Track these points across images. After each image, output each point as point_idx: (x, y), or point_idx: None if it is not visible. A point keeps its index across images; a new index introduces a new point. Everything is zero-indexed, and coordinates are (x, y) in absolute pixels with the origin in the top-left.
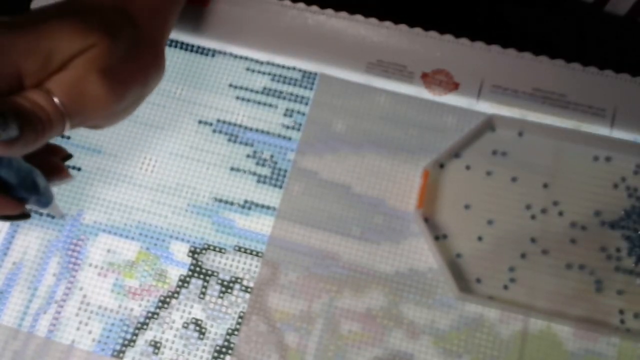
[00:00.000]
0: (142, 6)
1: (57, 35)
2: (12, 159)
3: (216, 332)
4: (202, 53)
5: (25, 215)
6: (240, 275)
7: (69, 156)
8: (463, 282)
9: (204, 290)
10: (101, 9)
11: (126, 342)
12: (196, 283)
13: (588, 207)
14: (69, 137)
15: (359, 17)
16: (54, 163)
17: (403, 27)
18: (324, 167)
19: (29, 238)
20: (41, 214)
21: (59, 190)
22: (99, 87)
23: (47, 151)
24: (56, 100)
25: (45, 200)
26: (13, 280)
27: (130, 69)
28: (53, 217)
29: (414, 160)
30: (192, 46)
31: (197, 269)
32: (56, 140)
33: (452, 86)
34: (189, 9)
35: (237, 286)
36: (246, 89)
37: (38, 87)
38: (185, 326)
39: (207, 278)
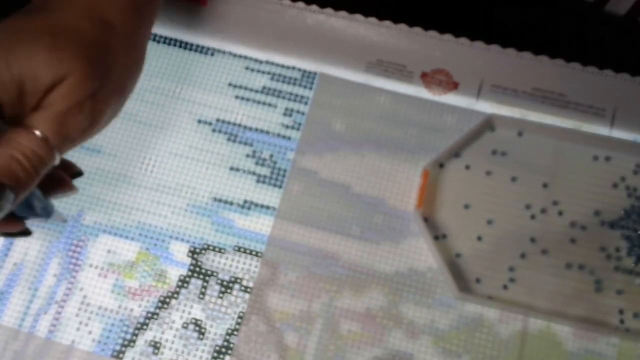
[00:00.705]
0: (119, 10)
1: (28, 64)
2: None
3: (216, 332)
4: (201, 52)
5: (25, 232)
6: (240, 275)
7: (79, 173)
8: (463, 282)
9: (203, 290)
10: (76, 26)
11: (126, 343)
12: (196, 283)
13: (588, 207)
14: None
15: (359, 16)
16: (59, 176)
17: (403, 26)
18: (323, 167)
19: (30, 239)
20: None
21: None
22: (81, 122)
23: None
24: (44, 137)
25: (46, 215)
26: (14, 281)
27: (108, 87)
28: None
29: (413, 160)
30: (192, 45)
31: (197, 269)
32: None
33: (452, 86)
34: (189, 9)
35: (236, 286)
36: (245, 89)
37: (23, 127)
38: (185, 326)
39: (207, 278)
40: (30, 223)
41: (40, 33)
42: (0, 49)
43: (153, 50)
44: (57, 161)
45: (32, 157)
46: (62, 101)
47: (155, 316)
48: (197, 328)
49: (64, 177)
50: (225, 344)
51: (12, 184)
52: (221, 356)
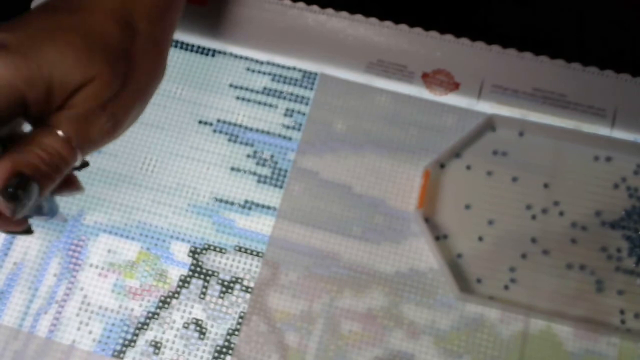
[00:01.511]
0: (144, 15)
1: (58, 65)
2: None
3: (216, 332)
4: (202, 53)
5: (28, 231)
6: (241, 275)
7: (85, 164)
8: (463, 282)
9: (204, 290)
10: (103, 28)
11: (127, 342)
12: (196, 283)
13: (588, 207)
14: None
15: (359, 16)
16: (67, 175)
17: (403, 27)
18: (324, 167)
19: (30, 238)
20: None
21: None
22: (105, 124)
23: None
24: (67, 138)
25: (51, 215)
26: (14, 281)
27: (132, 89)
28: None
29: (414, 160)
30: (192, 46)
31: (198, 269)
32: None
33: (453, 86)
34: (189, 9)
35: (237, 286)
36: (246, 89)
37: (47, 127)
38: (186, 326)
39: (208, 278)
40: (32, 222)
41: (70, 33)
42: (30, 47)
43: None
44: (78, 162)
45: (55, 157)
46: (87, 103)
47: (155, 316)
48: (197, 328)
49: (71, 176)
50: (226, 344)
51: (36, 179)
52: (222, 356)
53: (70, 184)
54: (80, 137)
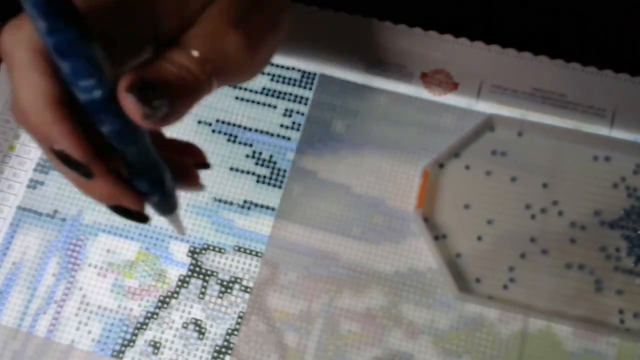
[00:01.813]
0: None
1: None
2: (143, 135)
3: (216, 332)
4: None
5: (143, 217)
6: (240, 275)
7: (205, 165)
8: (462, 282)
9: (203, 290)
10: None
11: (126, 342)
12: (196, 283)
13: (588, 207)
14: None
15: (359, 17)
16: (187, 165)
17: (403, 27)
18: (323, 167)
19: (29, 238)
20: (40, 214)
21: (58, 190)
22: (236, 41)
23: (181, 149)
24: (199, 57)
25: (171, 204)
26: (12, 280)
27: (260, 14)
28: (52, 217)
29: (413, 160)
30: None
31: (197, 269)
32: None
33: (452, 86)
34: None
35: (236, 286)
36: (245, 89)
37: (177, 46)
38: (185, 326)
39: (207, 278)
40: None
41: None
42: None
43: None
44: (212, 89)
45: (185, 72)
46: (218, 16)
47: (155, 316)
48: (197, 328)
49: (190, 167)
50: (225, 344)
51: (164, 87)
52: (221, 356)
53: (188, 176)
54: (212, 54)
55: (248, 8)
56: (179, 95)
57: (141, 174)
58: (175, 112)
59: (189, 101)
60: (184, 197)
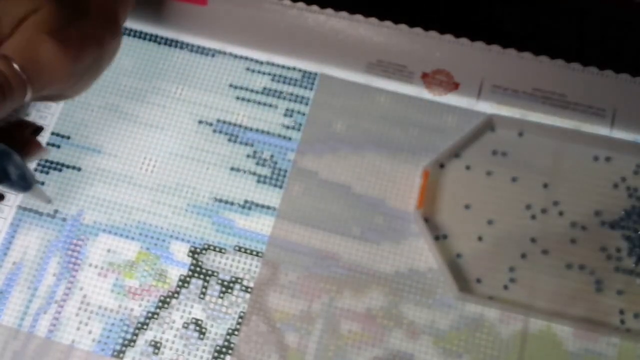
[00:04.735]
0: None
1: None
2: None
3: (216, 332)
4: (202, 53)
5: None
6: (241, 275)
7: (39, 129)
8: (463, 282)
9: (204, 290)
10: None
11: (126, 342)
12: (196, 283)
13: (588, 207)
14: (69, 137)
15: (359, 17)
16: (25, 138)
17: (403, 27)
18: (324, 167)
19: (29, 238)
20: (41, 214)
21: (59, 190)
22: (51, 48)
23: (14, 127)
24: (15, 65)
25: (23, 186)
26: (13, 280)
27: (81, 29)
28: (53, 217)
29: (414, 160)
30: (192, 46)
31: (197, 269)
32: (60, 140)
33: (452, 86)
34: (189, 9)
35: (237, 286)
36: (246, 89)
37: None
38: (186, 326)
39: (207, 278)
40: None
41: None
42: None
43: (154, 52)
44: (27, 97)
45: (1, 80)
46: (34, 27)
47: (155, 316)
48: (197, 328)
49: (30, 137)
50: (226, 344)
51: None
52: (222, 356)
53: (32, 146)
54: (26, 62)
55: (66, 22)
56: None
57: None
58: None
59: (1, 102)
60: (184, 198)
